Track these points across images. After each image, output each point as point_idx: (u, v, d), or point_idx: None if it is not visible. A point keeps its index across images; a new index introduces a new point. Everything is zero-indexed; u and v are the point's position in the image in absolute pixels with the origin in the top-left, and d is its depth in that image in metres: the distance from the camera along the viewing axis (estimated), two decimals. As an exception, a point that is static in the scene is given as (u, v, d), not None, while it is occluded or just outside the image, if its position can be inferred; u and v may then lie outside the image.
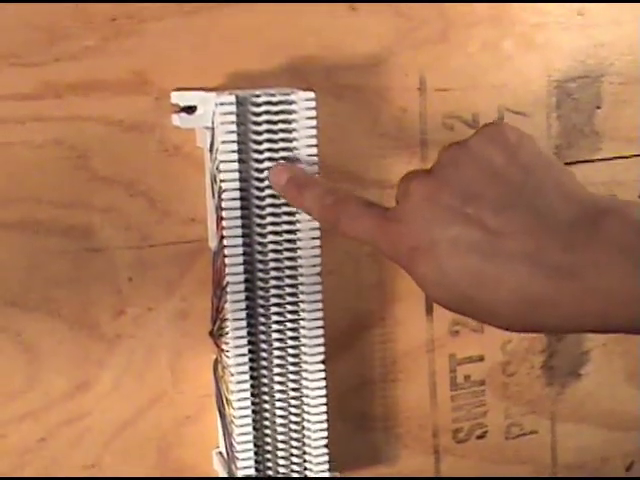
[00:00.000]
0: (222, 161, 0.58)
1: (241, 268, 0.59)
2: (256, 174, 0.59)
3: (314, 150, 0.60)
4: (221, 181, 0.58)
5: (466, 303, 0.46)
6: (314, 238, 0.61)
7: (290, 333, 0.62)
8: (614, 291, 0.42)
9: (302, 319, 0.62)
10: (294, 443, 0.64)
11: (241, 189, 0.59)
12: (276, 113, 0.59)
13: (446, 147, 0.50)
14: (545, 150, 0.49)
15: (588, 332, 0.45)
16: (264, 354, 0.62)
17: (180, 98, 0.61)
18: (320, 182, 0.57)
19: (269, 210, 0.60)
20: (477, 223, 0.46)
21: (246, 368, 0.61)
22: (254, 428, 0.62)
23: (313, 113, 0.59)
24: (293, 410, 0.63)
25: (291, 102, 0.59)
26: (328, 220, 0.54)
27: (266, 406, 0.63)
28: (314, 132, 0.60)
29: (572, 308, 0.43)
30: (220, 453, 0.67)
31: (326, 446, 0.63)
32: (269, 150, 0.59)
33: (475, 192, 0.46)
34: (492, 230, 0.45)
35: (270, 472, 0.63)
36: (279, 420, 0.63)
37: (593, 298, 0.43)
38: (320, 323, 0.62)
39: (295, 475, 0.64)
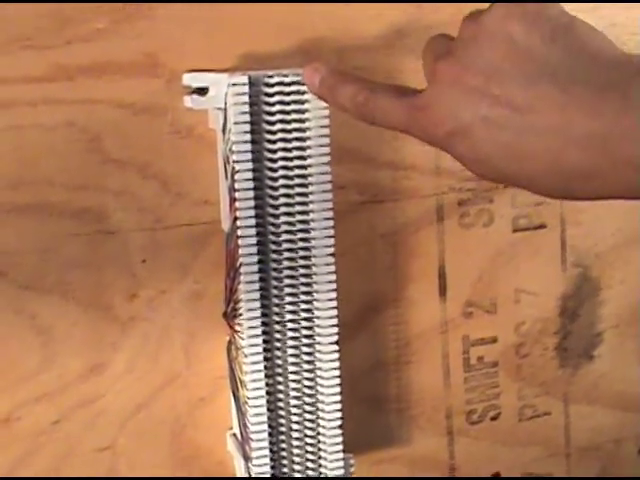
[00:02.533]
0: (235, 142, 0.58)
1: (254, 249, 0.59)
2: (269, 155, 0.59)
3: (326, 130, 0.60)
4: (234, 162, 0.58)
5: (506, 177, 0.47)
6: (327, 219, 0.61)
7: (304, 314, 0.62)
8: None
9: (315, 300, 0.62)
10: (308, 424, 0.64)
11: (254, 170, 0.59)
12: (288, 94, 0.59)
13: (463, 22, 0.48)
14: (567, 14, 0.47)
15: (629, 198, 0.44)
16: (278, 335, 0.62)
17: (192, 80, 0.61)
18: (349, 78, 0.54)
19: (282, 191, 0.60)
20: (504, 101, 0.45)
21: (260, 349, 0.61)
22: (268, 409, 0.62)
23: (326, 93, 0.59)
24: (307, 391, 0.63)
25: (303, 82, 0.59)
26: (364, 118, 0.53)
27: (280, 387, 0.63)
28: (326, 112, 0.60)
29: (608, 176, 0.43)
30: (234, 435, 0.67)
31: (340, 427, 0.63)
32: (282, 131, 0.59)
33: (498, 70, 0.46)
34: (520, 107, 0.45)
35: (284, 453, 0.63)
36: (293, 401, 0.63)
37: (627, 166, 0.42)
38: (334, 304, 0.62)
39: (310, 457, 0.64)
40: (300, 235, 0.61)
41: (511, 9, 0.46)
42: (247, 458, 0.63)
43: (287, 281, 0.61)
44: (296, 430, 0.64)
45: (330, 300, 0.61)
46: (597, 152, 0.43)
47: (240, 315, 0.61)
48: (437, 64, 0.48)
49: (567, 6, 0.69)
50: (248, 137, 0.58)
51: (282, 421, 0.63)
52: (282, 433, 0.63)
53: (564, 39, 0.45)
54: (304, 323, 0.62)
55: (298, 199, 0.60)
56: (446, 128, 0.47)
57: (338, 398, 0.63)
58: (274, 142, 0.59)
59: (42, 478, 0.65)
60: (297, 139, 0.60)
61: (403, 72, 0.68)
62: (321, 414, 0.63)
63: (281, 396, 0.63)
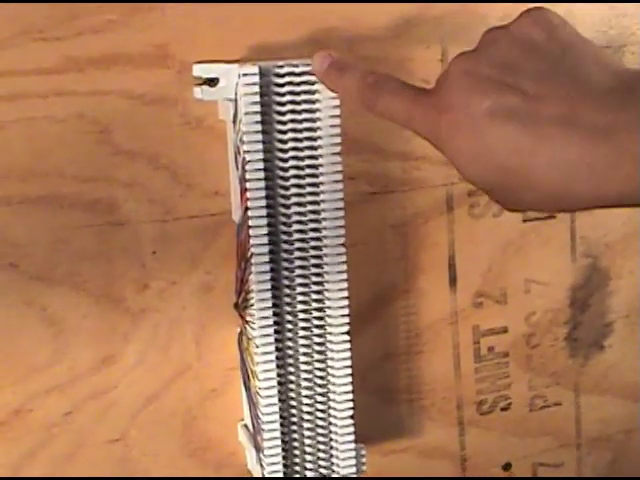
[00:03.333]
0: (245, 132, 0.58)
1: (265, 239, 0.59)
2: (279, 145, 0.59)
3: (337, 121, 0.60)
4: (245, 152, 0.58)
5: (501, 175, 0.46)
6: (338, 209, 0.61)
7: (315, 305, 0.62)
8: None
9: (326, 290, 0.61)
10: (319, 415, 0.64)
11: (265, 160, 0.59)
12: (299, 84, 0.59)
13: (488, 30, 0.49)
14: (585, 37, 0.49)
15: (619, 206, 0.44)
16: (289, 326, 0.62)
17: (202, 71, 0.61)
18: (358, 67, 0.55)
19: (293, 182, 0.60)
20: (515, 90, 0.45)
21: (271, 340, 0.61)
22: (279, 400, 0.62)
23: (336, 83, 0.59)
24: (318, 382, 0.63)
25: (314, 73, 0.59)
26: (367, 99, 0.53)
27: (291, 378, 0.63)
28: (337, 102, 0.59)
29: (607, 171, 0.43)
30: (245, 426, 0.67)
31: (352, 417, 0.63)
32: (292, 121, 0.59)
33: (514, 64, 0.46)
34: (530, 96, 0.45)
35: (296, 444, 0.64)
36: (304, 392, 0.63)
37: (628, 160, 0.42)
38: (345, 294, 0.62)
39: (321, 447, 0.64)
40: (311, 225, 0.61)
41: (538, 18, 0.48)
42: (259, 449, 0.63)
43: (298, 271, 0.61)
44: (307, 420, 0.64)
45: (341, 290, 0.61)
46: (602, 143, 0.43)
47: (251, 306, 0.61)
48: (454, 59, 0.49)
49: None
50: (259, 127, 0.58)
51: (293, 412, 0.63)
52: (293, 424, 0.63)
53: (580, 51, 0.47)
54: (315, 313, 0.62)
55: (309, 189, 0.60)
56: (449, 114, 0.47)
57: (349, 388, 0.63)
58: (285, 132, 0.59)
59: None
60: (307, 129, 0.60)
61: (413, 61, 0.68)
62: (332, 404, 0.63)
63: (292, 387, 0.63)
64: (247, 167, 0.58)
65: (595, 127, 0.43)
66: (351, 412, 0.63)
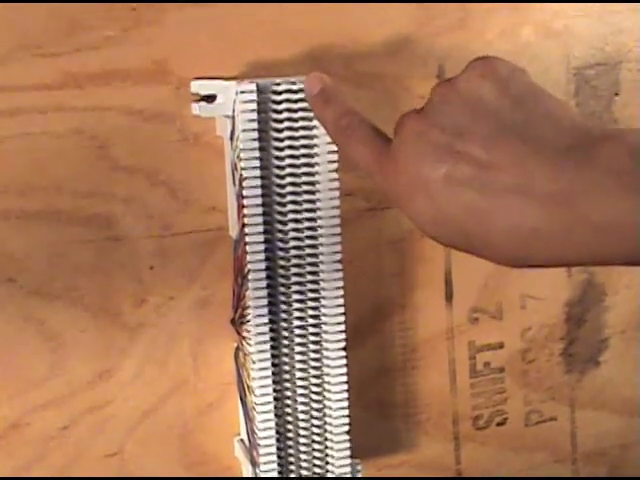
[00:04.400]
0: (243, 149, 0.58)
1: (262, 256, 0.59)
2: (276, 162, 0.60)
3: (334, 138, 0.60)
4: (242, 169, 0.58)
5: (462, 238, 0.46)
6: (334, 226, 0.61)
7: (311, 320, 0.62)
8: (607, 217, 0.41)
9: (323, 306, 0.62)
10: (315, 430, 0.64)
11: (262, 177, 0.59)
12: (296, 101, 0.60)
13: (437, 85, 0.49)
14: (537, 83, 0.49)
15: (581, 265, 0.44)
16: (285, 342, 0.62)
17: (200, 87, 0.62)
18: (344, 101, 0.56)
19: (290, 198, 0.60)
20: (467, 158, 0.45)
21: (267, 355, 0.61)
22: (275, 415, 0.62)
23: (333, 100, 0.60)
24: (314, 397, 0.63)
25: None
26: (337, 141, 0.54)
27: (287, 393, 0.63)
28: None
29: (565, 238, 0.43)
30: (242, 440, 0.68)
31: (348, 433, 0.63)
32: (289, 138, 0.60)
33: (464, 127, 0.46)
34: (483, 164, 0.45)
35: (292, 459, 0.64)
36: (300, 407, 0.63)
37: (586, 226, 0.42)
38: (341, 310, 0.62)
39: (317, 462, 0.64)
40: (308, 242, 0.61)
41: (484, 72, 0.48)
42: (255, 464, 0.64)
43: (295, 287, 0.61)
44: (304, 436, 0.64)
45: (338, 306, 0.62)
46: (558, 210, 0.43)
47: (248, 321, 0.61)
48: (405, 119, 0.49)
49: (574, 13, 0.70)
50: (256, 144, 0.58)
51: (290, 427, 0.63)
52: (290, 439, 0.64)
53: (532, 104, 0.47)
54: (312, 329, 0.62)
55: (306, 206, 0.61)
56: (407, 180, 0.47)
57: (345, 404, 0.63)
58: (282, 149, 0.60)
59: (47, 478, 0.66)
60: (305, 146, 0.60)
61: (410, 78, 0.68)
62: (328, 419, 0.64)
63: (289, 402, 0.63)
64: (244, 184, 0.58)
65: (550, 194, 0.43)
66: (347, 427, 0.64)
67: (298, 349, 0.62)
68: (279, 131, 0.60)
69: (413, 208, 0.48)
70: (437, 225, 0.47)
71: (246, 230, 0.59)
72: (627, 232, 0.41)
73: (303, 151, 0.60)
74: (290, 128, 0.60)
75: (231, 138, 0.60)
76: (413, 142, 0.48)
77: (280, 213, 0.60)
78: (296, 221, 0.61)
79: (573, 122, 0.46)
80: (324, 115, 0.56)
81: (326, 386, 0.63)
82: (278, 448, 0.63)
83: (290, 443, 0.64)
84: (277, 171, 0.60)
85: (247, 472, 0.66)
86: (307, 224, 0.61)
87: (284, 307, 0.62)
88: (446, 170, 0.46)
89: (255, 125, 0.58)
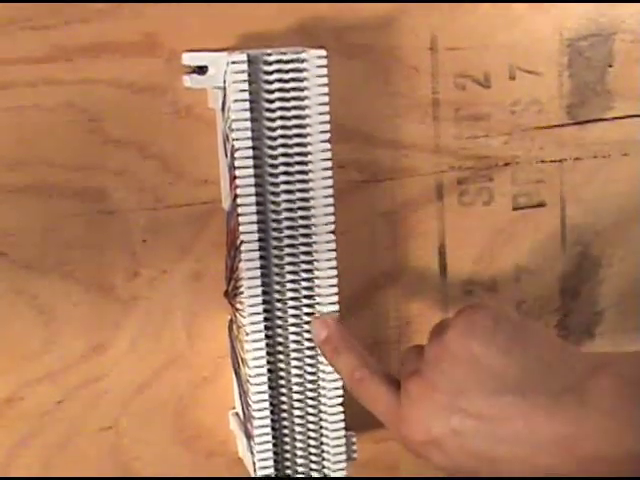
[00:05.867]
0: (234, 120, 0.58)
1: (255, 227, 0.59)
2: (268, 133, 0.60)
3: (326, 108, 0.60)
4: (233, 140, 0.58)
5: (469, 472, 0.52)
6: (327, 197, 0.61)
7: (305, 292, 0.62)
8: (611, 454, 0.46)
9: (316, 278, 0.62)
10: (310, 402, 0.64)
11: (254, 148, 0.59)
12: (287, 72, 0.59)
13: (428, 345, 0.54)
14: (522, 321, 0.54)
15: None
16: (279, 313, 0.62)
17: (191, 59, 0.61)
18: (352, 348, 0.60)
19: (282, 169, 0.60)
20: (471, 412, 0.51)
21: (261, 327, 0.61)
22: (269, 387, 0.62)
23: (324, 71, 0.59)
24: (308, 369, 0.63)
25: (302, 60, 0.59)
26: (352, 390, 0.59)
27: (281, 365, 0.63)
28: (326, 90, 0.60)
29: (580, 471, 0.48)
30: (236, 414, 0.68)
31: (342, 404, 0.63)
32: (281, 109, 0.59)
33: (462, 384, 0.51)
34: (486, 417, 0.50)
35: (286, 431, 0.64)
36: (294, 379, 0.63)
37: (592, 463, 0.47)
38: (334, 282, 0.62)
39: (312, 434, 0.64)
40: (300, 213, 0.61)
41: (468, 327, 0.52)
42: (249, 436, 0.64)
43: (288, 259, 0.61)
44: (298, 408, 0.64)
45: (331, 278, 0.62)
46: (563, 454, 0.48)
47: (241, 293, 0.61)
48: (408, 382, 0.55)
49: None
50: (247, 115, 0.58)
51: (284, 399, 0.63)
52: (284, 411, 0.64)
53: (521, 350, 0.51)
54: (305, 301, 0.62)
55: (298, 177, 0.60)
56: (420, 439, 0.53)
57: (339, 376, 0.63)
58: (274, 120, 0.59)
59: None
60: (297, 117, 0.60)
61: (402, 49, 0.68)
62: (322, 392, 0.64)
63: (282, 374, 0.63)
64: (236, 155, 0.58)
65: (554, 440, 0.48)
66: (341, 399, 0.63)
67: (291, 321, 0.62)
68: (271, 102, 0.59)
69: (432, 460, 0.53)
70: (454, 472, 0.53)
71: (238, 201, 0.59)
72: (636, 462, 0.46)
73: (295, 122, 0.60)
74: (282, 99, 0.59)
75: (222, 109, 0.60)
76: (419, 406, 0.53)
77: (273, 184, 0.60)
78: (289, 192, 0.60)
79: (562, 359, 0.51)
80: (336, 365, 0.60)
81: (320, 358, 0.63)
82: (272, 420, 0.63)
83: (284, 415, 0.64)
84: (269, 142, 0.60)
85: (242, 445, 0.66)
86: (300, 195, 0.61)
87: (277, 279, 0.61)
88: (454, 426, 0.51)
89: (246, 96, 0.58)
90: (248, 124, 0.58)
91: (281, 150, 0.60)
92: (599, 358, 0.51)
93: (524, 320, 0.55)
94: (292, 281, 0.62)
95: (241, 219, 0.59)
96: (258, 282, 0.60)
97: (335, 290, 0.62)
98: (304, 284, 0.62)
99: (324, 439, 0.64)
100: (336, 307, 0.62)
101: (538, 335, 0.53)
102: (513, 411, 0.50)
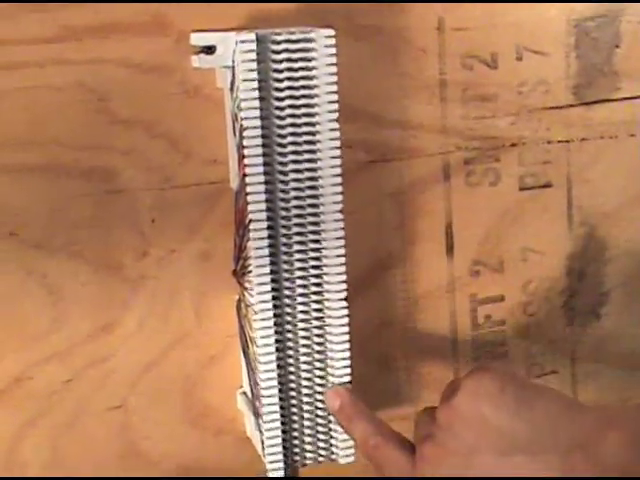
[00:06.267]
0: (243, 99, 0.58)
1: (263, 206, 0.59)
2: (277, 112, 0.60)
3: (334, 88, 0.60)
4: (242, 119, 0.58)
5: None
6: (335, 176, 0.61)
7: (312, 271, 0.62)
8: None
9: (324, 257, 0.62)
10: (318, 381, 0.64)
11: (262, 127, 0.59)
12: (296, 51, 0.59)
13: (440, 409, 0.56)
14: (529, 382, 0.57)
15: None
16: (287, 292, 0.62)
17: (199, 39, 0.61)
18: (364, 415, 0.61)
19: (290, 149, 0.60)
20: (485, 474, 0.53)
21: (269, 306, 0.61)
22: (278, 366, 0.62)
23: (333, 51, 0.59)
24: (316, 348, 0.64)
25: (311, 40, 0.59)
26: (367, 456, 0.60)
27: (290, 344, 0.63)
28: (334, 70, 0.60)
29: None
30: (244, 393, 0.68)
31: (349, 383, 0.64)
32: (289, 88, 0.59)
33: (474, 446, 0.53)
34: (499, 473, 0.52)
35: (294, 409, 0.64)
36: (303, 358, 0.63)
37: None
38: (342, 261, 0.62)
39: (320, 413, 0.65)
40: (308, 192, 0.61)
41: (477, 390, 0.54)
42: (257, 415, 0.64)
43: (296, 238, 0.61)
44: (306, 386, 0.64)
45: (339, 257, 0.62)
46: None
47: (249, 272, 0.61)
48: (422, 446, 0.56)
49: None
50: (256, 94, 0.58)
51: (292, 378, 0.64)
52: (292, 389, 0.64)
53: (528, 411, 0.53)
54: (313, 279, 0.62)
55: (306, 156, 0.61)
56: None
57: (347, 354, 0.63)
58: (282, 100, 0.60)
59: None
60: (305, 96, 0.60)
61: (410, 30, 0.68)
62: (330, 370, 0.64)
63: (291, 353, 0.63)
64: (244, 134, 0.58)
65: None
66: (349, 378, 0.64)
67: (300, 300, 0.62)
68: (279, 81, 0.59)
69: None
70: None
71: (247, 180, 0.59)
72: None
73: (303, 101, 0.60)
74: (290, 78, 0.59)
75: (231, 89, 0.60)
76: (434, 469, 0.55)
77: (281, 164, 0.60)
78: (297, 171, 0.61)
79: (569, 416, 0.52)
80: (351, 433, 0.62)
81: (328, 337, 0.63)
82: (280, 399, 0.63)
83: (292, 394, 0.64)
84: (277, 121, 0.60)
85: (250, 424, 0.66)
86: (308, 174, 0.61)
87: (285, 258, 0.62)
88: None
89: (255, 75, 0.58)
90: (257, 103, 0.58)
91: (289, 130, 0.60)
92: (605, 413, 0.53)
93: (530, 381, 0.58)
94: (300, 260, 0.62)
95: (249, 198, 0.59)
96: (266, 261, 0.60)
97: (343, 269, 0.62)
98: (312, 263, 0.62)
99: (332, 418, 0.65)
100: (344, 285, 0.62)
101: (544, 394, 0.54)
102: (524, 471, 0.51)
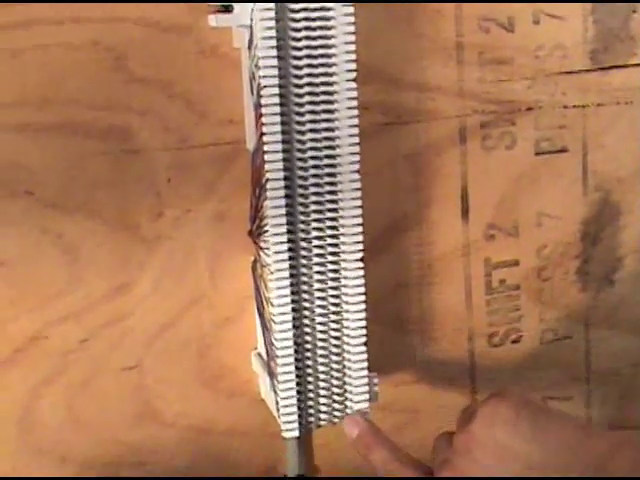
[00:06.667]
0: (261, 57, 0.58)
1: (281, 165, 0.59)
2: (295, 71, 0.59)
3: (352, 47, 0.60)
4: (260, 77, 0.58)
5: None
6: (352, 135, 0.61)
7: (329, 231, 0.62)
8: None
9: (341, 217, 0.62)
10: (333, 342, 0.64)
11: (280, 86, 0.59)
12: (314, 10, 0.59)
13: (457, 435, 0.58)
14: (543, 407, 0.58)
15: None
16: (303, 252, 0.62)
17: (217, -2, 0.61)
18: (382, 442, 0.62)
19: (308, 108, 0.60)
20: None
21: (285, 265, 0.61)
22: (293, 326, 0.62)
23: (351, 10, 0.59)
24: (332, 309, 0.64)
25: (329, 0, 0.59)
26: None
27: (305, 305, 0.63)
28: (352, 29, 0.59)
29: None
30: (259, 354, 0.68)
31: (365, 344, 0.64)
32: (307, 47, 0.59)
33: (491, 471, 0.55)
34: None
35: (309, 370, 0.64)
36: (318, 319, 0.64)
37: None
38: (359, 221, 0.62)
39: (335, 374, 0.65)
40: (325, 152, 0.61)
41: (493, 417, 0.56)
42: (272, 375, 0.64)
43: (313, 198, 0.61)
44: (321, 347, 0.64)
45: (355, 217, 0.62)
46: None
47: (266, 232, 0.61)
48: (440, 471, 0.58)
49: None
50: (274, 52, 0.58)
51: (307, 338, 0.64)
52: (307, 350, 0.64)
53: (541, 434, 0.55)
54: (329, 240, 0.62)
55: (324, 116, 0.60)
56: None
57: (363, 315, 0.63)
58: (300, 59, 0.59)
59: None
60: (323, 56, 0.60)
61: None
62: (346, 332, 0.64)
63: (306, 313, 0.63)
64: (263, 92, 0.58)
65: None
66: (364, 339, 0.64)
67: (316, 260, 0.62)
68: (297, 40, 0.59)
69: None
70: None
71: (264, 139, 0.59)
72: None
73: (321, 61, 0.60)
74: (308, 37, 0.59)
75: (249, 47, 0.60)
76: None
77: (298, 123, 0.60)
78: (314, 131, 0.60)
79: (583, 440, 0.54)
80: (370, 459, 0.62)
81: (343, 297, 0.63)
82: (296, 359, 0.63)
83: (308, 355, 0.64)
84: (295, 81, 0.60)
85: (264, 385, 0.66)
86: (325, 134, 0.61)
87: (302, 218, 0.61)
88: None
89: (273, 33, 0.58)
90: (275, 62, 0.58)
91: (307, 89, 0.60)
92: (618, 437, 0.55)
93: (545, 406, 0.58)
94: (317, 220, 0.62)
95: (267, 157, 0.59)
96: (283, 220, 0.60)
97: (359, 230, 0.62)
98: (328, 224, 0.62)
99: (347, 379, 0.65)
100: (360, 245, 0.62)
101: (559, 420, 0.56)
102: None
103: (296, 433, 0.64)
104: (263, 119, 0.58)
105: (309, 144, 0.61)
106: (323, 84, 0.60)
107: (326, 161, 0.61)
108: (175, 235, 0.66)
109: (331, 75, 0.60)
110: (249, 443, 0.71)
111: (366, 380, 0.65)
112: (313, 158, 0.61)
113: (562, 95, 0.73)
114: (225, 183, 0.66)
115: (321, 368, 0.64)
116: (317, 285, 0.63)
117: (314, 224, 0.62)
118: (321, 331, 0.64)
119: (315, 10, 0.59)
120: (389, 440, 0.63)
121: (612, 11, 0.73)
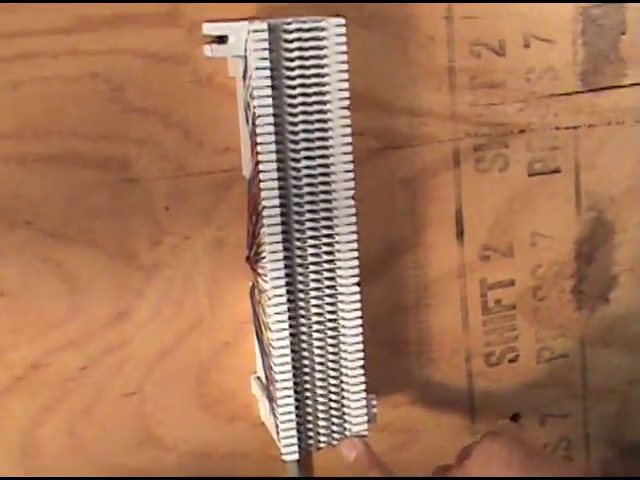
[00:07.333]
0: (255, 87, 0.59)
1: (276, 192, 0.60)
2: (289, 100, 0.60)
3: (345, 76, 0.61)
4: (255, 107, 0.59)
5: None
6: (347, 162, 0.61)
7: (325, 257, 0.63)
8: None
9: (337, 242, 0.62)
10: (331, 365, 0.65)
11: (275, 115, 0.59)
12: (307, 40, 0.60)
13: (455, 467, 0.62)
14: (535, 449, 0.62)
15: None
16: (300, 278, 0.63)
17: (212, 29, 0.62)
18: (378, 466, 0.65)
19: (302, 136, 0.61)
20: None
21: (283, 291, 0.62)
22: (291, 351, 0.63)
23: (343, 40, 0.60)
24: (329, 333, 0.64)
25: (322, 29, 0.60)
26: None
27: (303, 329, 0.64)
28: (345, 58, 0.60)
29: None
30: (258, 378, 0.69)
31: (362, 367, 0.64)
32: (301, 77, 0.60)
33: None
34: None
35: (308, 394, 0.65)
36: (316, 343, 0.64)
37: None
38: (354, 246, 0.63)
39: (333, 397, 0.65)
40: (320, 179, 0.62)
41: (488, 455, 0.60)
42: (272, 399, 0.65)
43: (308, 224, 0.62)
44: (319, 371, 0.65)
45: (351, 242, 0.62)
46: None
47: (263, 258, 0.62)
48: None
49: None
50: (268, 82, 0.59)
51: (305, 362, 0.64)
52: (306, 374, 0.64)
53: (532, 472, 0.58)
54: (326, 265, 0.63)
55: (318, 144, 0.61)
56: None
57: (360, 338, 0.64)
58: (294, 88, 0.60)
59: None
60: (316, 85, 0.60)
61: (419, 19, 0.69)
62: (343, 355, 0.64)
63: (304, 338, 0.64)
64: (257, 122, 0.59)
65: None
66: (362, 362, 0.64)
67: (313, 285, 0.63)
68: (291, 70, 0.60)
69: None
70: None
71: (260, 167, 0.59)
72: None
73: (315, 89, 0.61)
74: (302, 67, 0.60)
75: (243, 77, 0.61)
76: None
77: (293, 151, 0.61)
78: (309, 159, 0.61)
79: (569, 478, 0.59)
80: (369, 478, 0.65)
81: (341, 321, 0.64)
82: (295, 383, 0.64)
83: (306, 378, 0.65)
84: (289, 109, 0.60)
85: (264, 409, 0.67)
86: (320, 162, 0.61)
87: (298, 244, 0.62)
88: None
89: (267, 63, 0.59)
90: (269, 92, 0.59)
91: (301, 117, 0.61)
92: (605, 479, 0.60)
93: (536, 447, 0.63)
94: (313, 246, 0.63)
95: (263, 185, 0.60)
96: (280, 247, 0.61)
97: (355, 255, 0.63)
98: (325, 249, 0.63)
99: (345, 401, 0.65)
100: (356, 270, 0.63)
101: (547, 460, 0.61)
102: None
103: (296, 456, 0.65)
104: (258, 148, 0.59)
105: (304, 171, 0.61)
106: (317, 112, 0.61)
107: (321, 187, 0.62)
108: (173, 262, 0.66)
109: (325, 103, 0.61)
110: (249, 466, 0.71)
111: (364, 402, 0.65)
112: (308, 185, 0.62)
113: (554, 117, 0.74)
114: (222, 210, 0.67)
115: (320, 391, 0.65)
116: (314, 309, 0.64)
117: (310, 249, 0.63)
118: (319, 355, 0.64)
119: (308, 40, 0.60)
120: (384, 464, 0.64)
121: (601, 33, 0.74)
